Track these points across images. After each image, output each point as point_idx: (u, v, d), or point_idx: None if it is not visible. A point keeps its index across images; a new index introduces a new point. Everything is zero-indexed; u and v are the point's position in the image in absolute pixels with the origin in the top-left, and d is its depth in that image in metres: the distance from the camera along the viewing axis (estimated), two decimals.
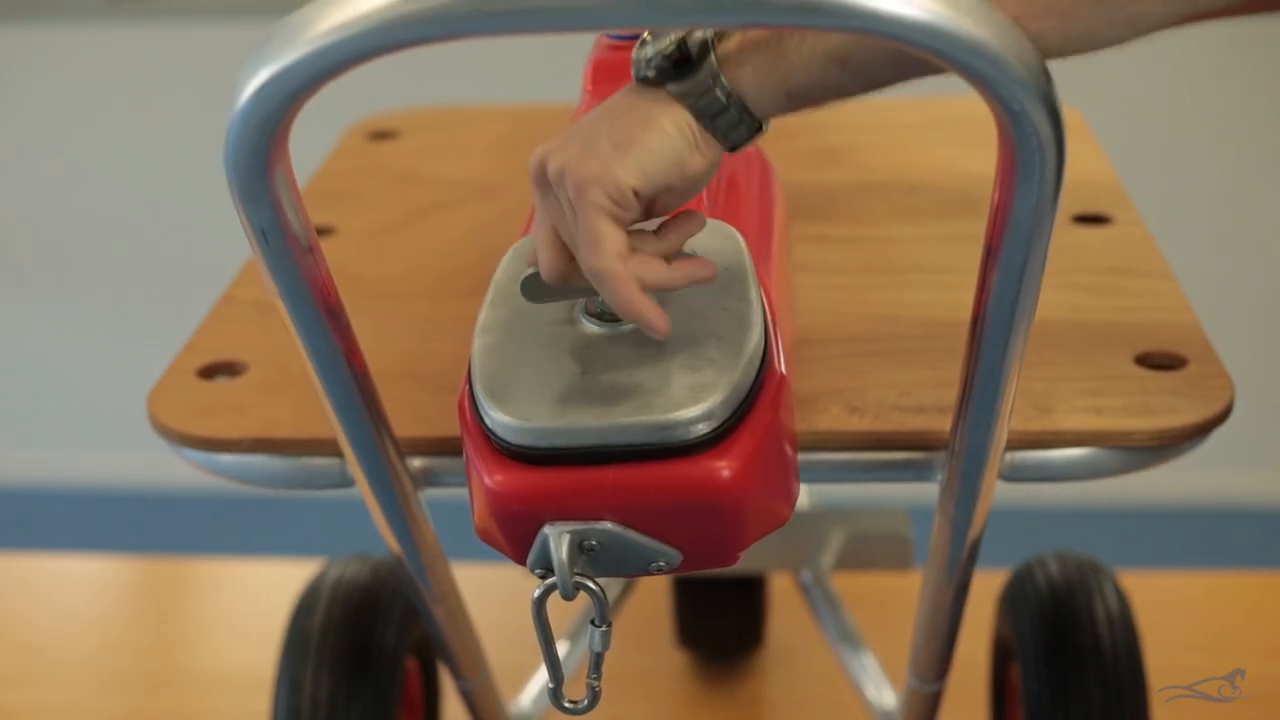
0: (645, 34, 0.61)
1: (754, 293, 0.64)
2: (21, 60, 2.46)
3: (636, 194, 0.59)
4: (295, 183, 0.54)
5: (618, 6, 0.45)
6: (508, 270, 0.69)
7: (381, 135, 1.17)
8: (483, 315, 0.66)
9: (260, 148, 0.50)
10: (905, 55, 0.54)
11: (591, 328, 0.64)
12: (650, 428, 0.59)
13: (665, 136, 0.60)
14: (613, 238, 0.58)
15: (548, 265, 0.63)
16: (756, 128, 0.61)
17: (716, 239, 0.67)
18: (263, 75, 0.48)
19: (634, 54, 0.61)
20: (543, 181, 0.61)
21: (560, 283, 0.64)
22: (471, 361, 0.63)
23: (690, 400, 0.59)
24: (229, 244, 1.02)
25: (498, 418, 0.60)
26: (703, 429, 0.59)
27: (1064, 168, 0.51)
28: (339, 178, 1.09)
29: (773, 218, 0.82)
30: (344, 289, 0.61)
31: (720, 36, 0.59)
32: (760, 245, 0.75)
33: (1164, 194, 1.88)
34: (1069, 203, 0.92)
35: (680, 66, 0.60)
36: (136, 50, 2.46)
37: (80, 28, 2.44)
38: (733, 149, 0.62)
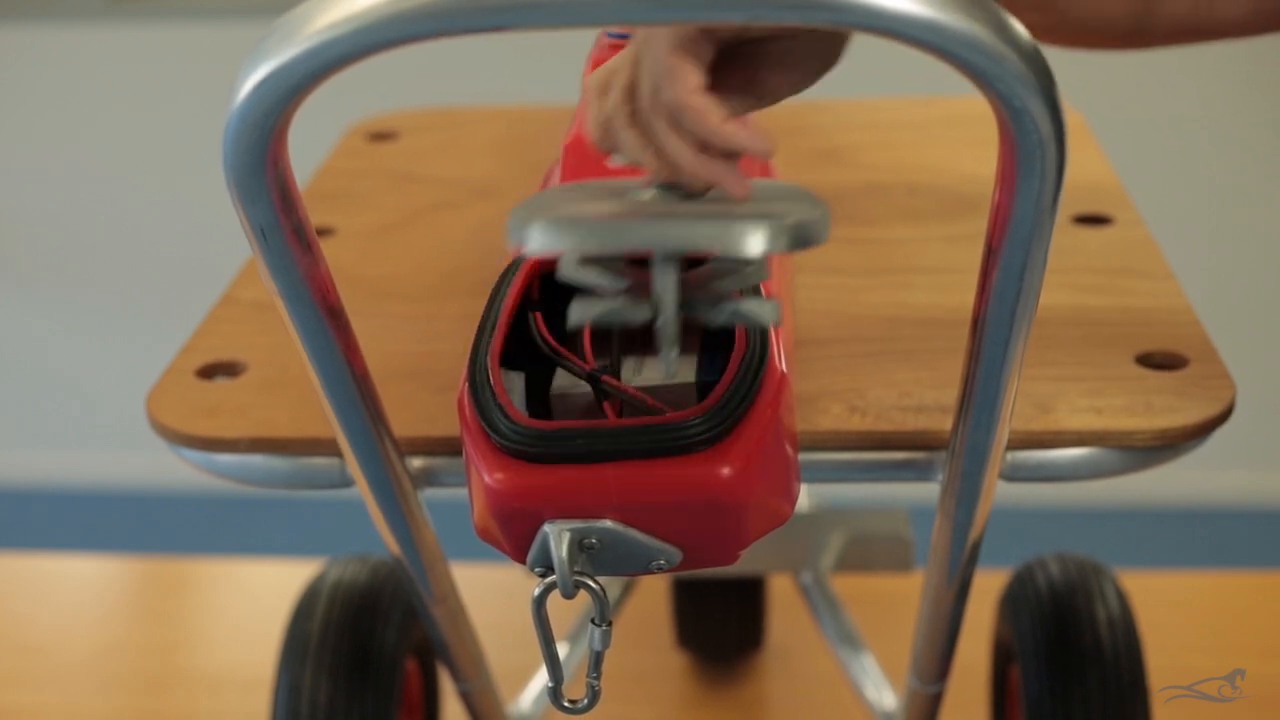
0: None
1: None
2: (21, 60, 2.46)
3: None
4: (294, 181, 0.54)
5: (617, 4, 0.45)
6: None
7: (381, 136, 1.17)
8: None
9: (259, 146, 0.50)
10: None
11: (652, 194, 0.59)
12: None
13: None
14: (689, 70, 0.55)
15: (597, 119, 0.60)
16: None
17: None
18: (261, 72, 0.47)
19: None
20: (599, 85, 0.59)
21: (606, 145, 0.60)
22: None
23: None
24: (229, 244, 1.02)
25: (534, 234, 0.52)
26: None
27: (1065, 165, 0.51)
28: (339, 178, 1.09)
29: None
30: (344, 289, 0.61)
31: None
32: None
33: (1164, 194, 1.88)
34: (1069, 203, 0.92)
35: None
36: (136, 50, 2.46)
37: (80, 28, 2.44)
38: None
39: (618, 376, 0.68)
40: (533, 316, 0.69)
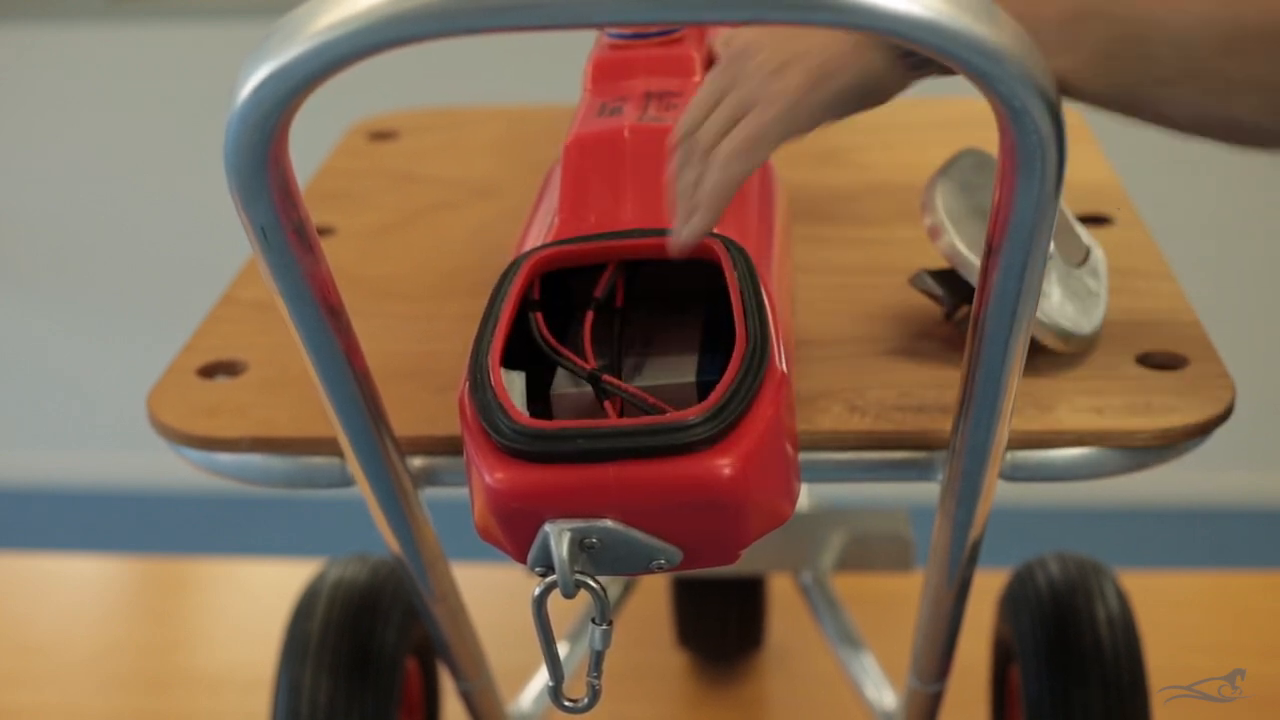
0: None
1: None
2: (21, 60, 2.46)
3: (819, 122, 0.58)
4: (295, 181, 0.54)
5: (618, 4, 0.45)
6: None
7: (382, 135, 1.17)
8: None
9: (260, 145, 0.50)
10: None
11: None
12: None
13: (868, 81, 0.58)
14: (763, 156, 0.59)
15: (689, 119, 0.62)
16: None
17: None
18: (262, 72, 0.47)
19: None
20: (734, 56, 0.60)
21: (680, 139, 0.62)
22: None
23: None
24: (229, 244, 1.02)
25: None
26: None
27: (1064, 165, 0.51)
28: (339, 178, 1.09)
29: (774, 218, 0.81)
30: (344, 289, 0.61)
31: None
32: (761, 245, 0.75)
33: (1164, 194, 1.88)
34: (1070, 204, 0.92)
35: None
36: (136, 50, 2.46)
37: (80, 28, 2.44)
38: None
39: (619, 376, 0.68)
40: (533, 316, 0.69)
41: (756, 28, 0.60)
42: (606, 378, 0.66)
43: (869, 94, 0.59)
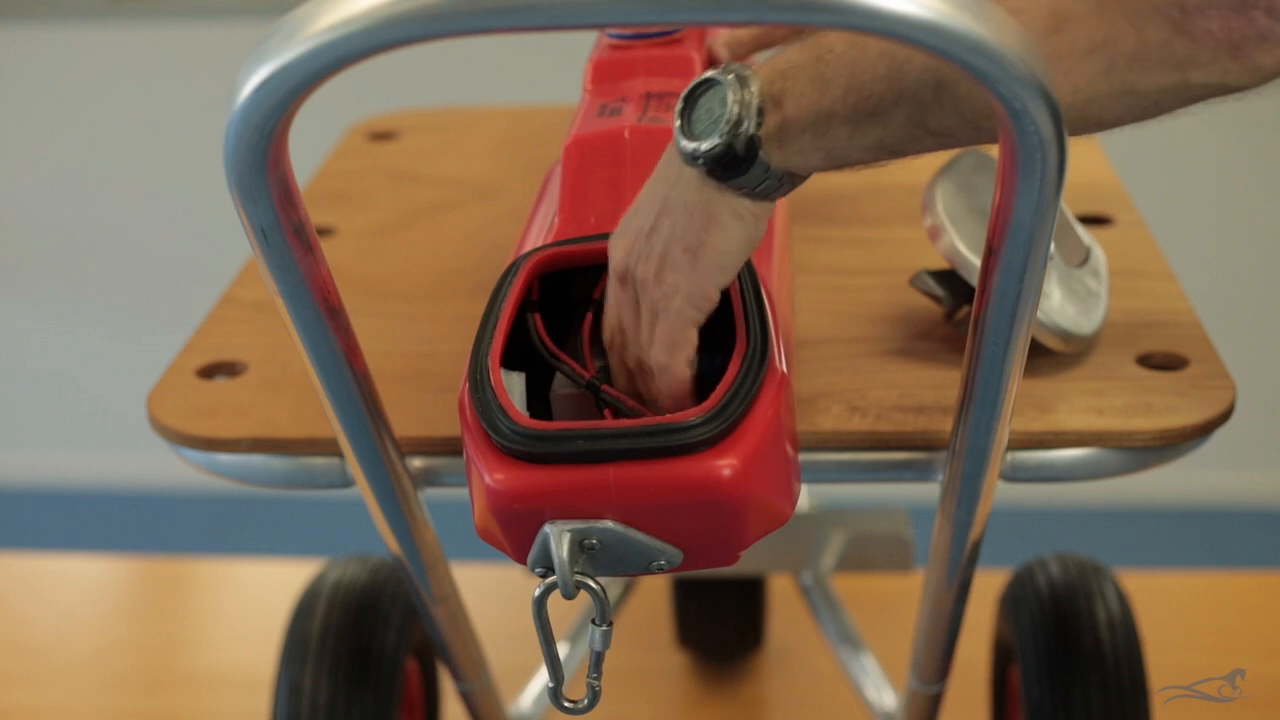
0: (678, 120, 0.61)
1: None
2: (21, 60, 2.46)
3: (719, 291, 0.63)
4: (295, 181, 0.54)
5: (618, 4, 0.45)
6: None
7: (382, 136, 1.17)
8: None
9: (260, 146, 0.50)
10: (955, 138, 0.57)
11: None
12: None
13: (730, 232, 0.62)
14: (690, 343, 0.63)
15: (610, 350, 0.67)
16: (802, 179, 0.62)
17: None
18: (262, 73, 0.47)
19: (678, 143, 0.61)
20: (622, 278, 0.65)
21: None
22: None
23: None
24: (229, 244, 1.02)
25: None
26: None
27: (1065, 166, 0.51)
28: (339, 178, 1.09)
29: (774, 218, 0.81)
30: (344, 289, 0.61)
31: (760, 113, 0.59)
32: (761, 244, 0.75)
33: (1164, 194, 1.88)
34: (1070, 204, 0.92)
35: (730, 165, 0.60)
36: (136, 50, 2.46)
37: (80, 28, 2.44)
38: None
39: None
40: (532, 319, 0.69)
41: (622, 243, 0.64)
42: (605, 387, 0.66)
43: (745, 240, 0.63)
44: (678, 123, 0.61)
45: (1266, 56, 0.57)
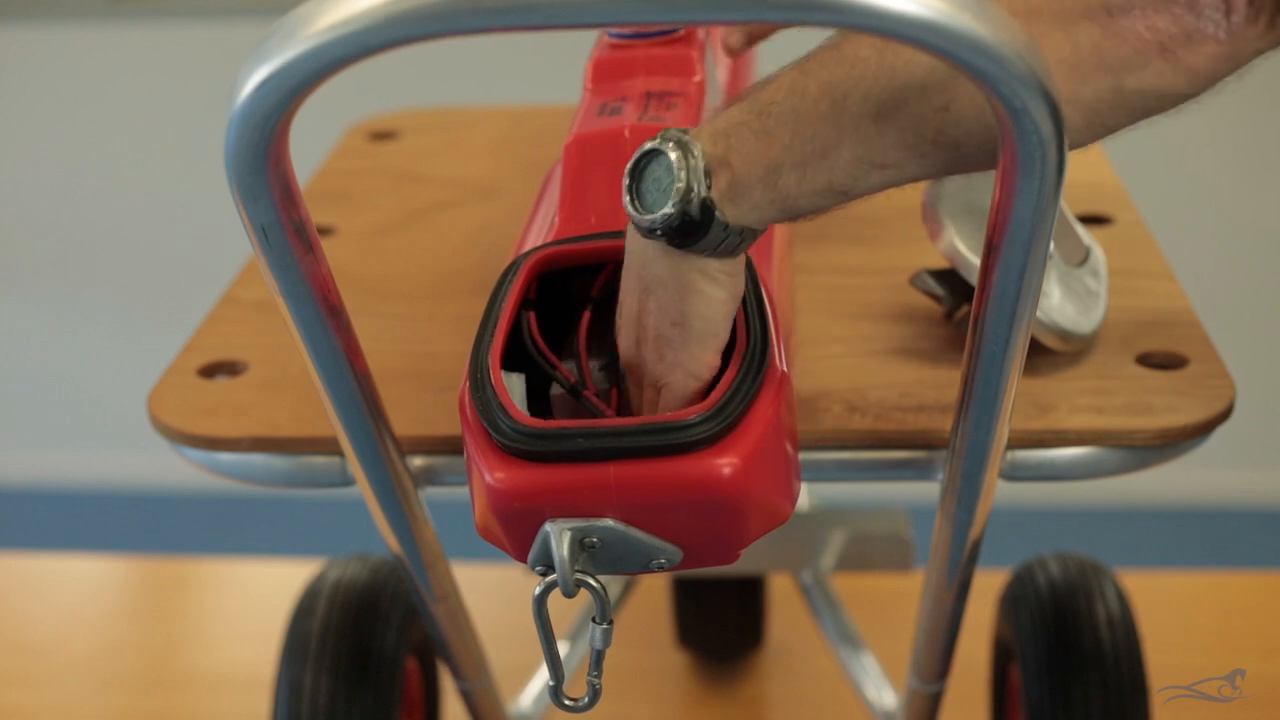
0: (627, 196, 0.61)
1: None
2: (21, 60, 2.46)
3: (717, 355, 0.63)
4: (296, 180, 0.54)
5: (618, 4, 0.45)
6: None
7: (382, 135, 1.17)
8: None
9: (260, 145, 0.50)
10: (902, 170, 0.58)
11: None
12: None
13: (707, 297, 0.62)
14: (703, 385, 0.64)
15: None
16: (761, 232, 0.62)
17: None
18: (262, 73, 0.48)
19: (633, 218, 0.61)
20: (633, 368, 0.66)
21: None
22: None
23: None
24: (229, 244, 1.02)
25: None
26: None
27: (1065, 165, 0.51)
28: (339, 178, 1.09)
29: None
30: (344, 289, 0.61)
31: (709, 174, 0.59)
32: (761, 244, 0.75)
33: (1164, 194, 1.88)
34: (1070, 204, 0.92)
35: (689, 231, 0.60)
36: (136, 50, 2.46)
37: (80, 28, 2.44)
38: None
39: (617, 376, 0.68)
40: (526, 318, 0.69)
41: (623, 336, 0.66)
42: (586, 393, 0.66)
43: (725, 300, 0.63)
44: (627, 198, 0.61)
45: (1195, 56, 0.57)
